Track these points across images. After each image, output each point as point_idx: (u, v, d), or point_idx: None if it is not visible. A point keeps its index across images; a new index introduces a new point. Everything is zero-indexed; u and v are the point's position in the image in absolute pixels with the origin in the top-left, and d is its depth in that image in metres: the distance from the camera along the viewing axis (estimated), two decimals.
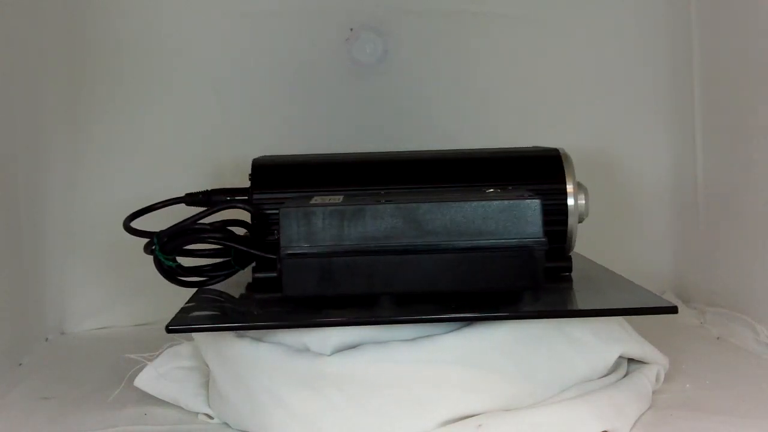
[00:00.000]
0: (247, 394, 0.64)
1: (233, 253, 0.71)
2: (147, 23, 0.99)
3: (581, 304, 0.70)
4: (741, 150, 0.87)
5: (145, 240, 0.71)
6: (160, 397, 0.70)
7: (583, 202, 0.74)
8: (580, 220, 0.74)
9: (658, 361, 0.70)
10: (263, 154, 0.78)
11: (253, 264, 0.73)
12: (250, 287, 0.73)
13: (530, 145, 0.80)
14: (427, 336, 0.61)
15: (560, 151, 0.76)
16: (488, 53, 1.02)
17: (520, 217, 0.61)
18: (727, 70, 0.90)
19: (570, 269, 0.73)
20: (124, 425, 0.67)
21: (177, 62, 1.00)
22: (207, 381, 0.70)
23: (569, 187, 0.73)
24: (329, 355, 0.61)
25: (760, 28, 0.82)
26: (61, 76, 0.97)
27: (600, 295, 0.71)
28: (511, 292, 0.63)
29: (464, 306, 0.62)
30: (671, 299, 0.97)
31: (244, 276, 0.73)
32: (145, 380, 0.71)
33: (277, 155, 0.79)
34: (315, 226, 0.62)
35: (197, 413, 0.69)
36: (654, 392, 0.68)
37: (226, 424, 0.67)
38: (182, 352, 0.73)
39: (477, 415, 0.61)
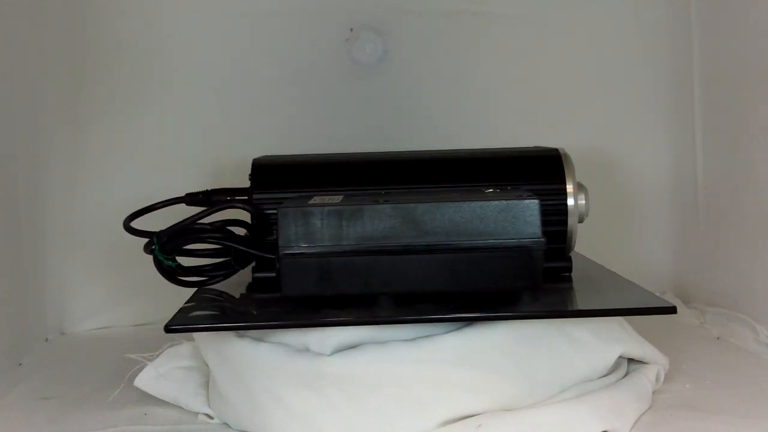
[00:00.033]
0: (247, 394, 0.64)
1: (233, 253, 0.71)
2: (147, 23, 0.99)
3: (581, 304, 0.70)
4: (741, 150, 0.87)
5: (145, 240, 0.71)
6: (160, 397, 0.71)
7: (583, 202, 0.74)
8: (581, 220, 0.74)
9: (658, 361, 0.70)
10: (263, 154, 0.78)
11: (253, 264, 0.73)
12: (250, 287, 0.73)
13: (530, 145, 0.80)
14: (427, 336, 0.61)
15: (560, 151, 0.76)
16: (488, 53, 1.02)
17: (519, 217, 0.61)
18: (727, 70, 0.90)
19: (570, 269, 0.73)
20: (124, 425, 0.67)
21: (177, 62, 1.00)
22: (207, 381, 0.70)
23: (569, 187, 0.73)
24: (329, 355, 0.61)
25: (760, 28, 0.82)
26: (61, 76, 0.97)
27: (600, 295, 0.71)
28: (510, 292, 0.63)
29: (464, 306, 0.62)
30: (671, 299, 0.98)
31: (244, 276, 0.73)
32: (145, 380, 0.71)
33: (277, 155, 0.79)
34: (313, 226, 0.62)
35: (197, 413, 0.69)
36: (654, 392, 0.68)
37: (226, 424, 0.67)
38: (182, 352, 0.73)
39: (477, 415, 0.61)
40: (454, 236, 0.62)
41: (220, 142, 1.00)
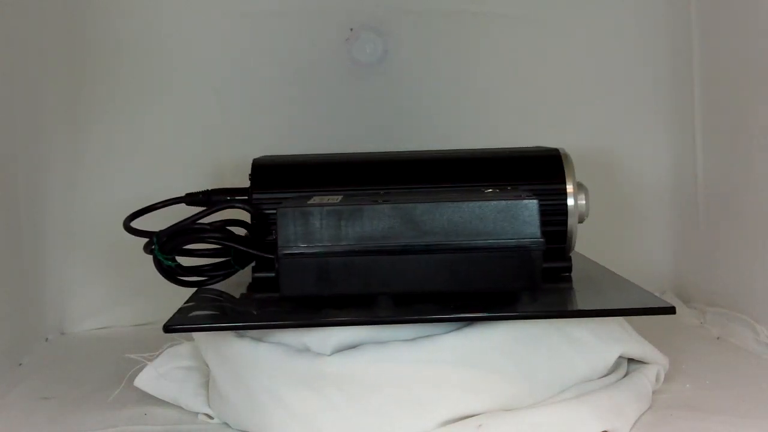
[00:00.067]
0: (247, 394, 0.64)
1: (233, 252, 0.71)
2: (147, 23, 0.99)
3: (581, 305, 0.70)
4: (741, 150, 0.87)
5: (145, 240, 0.71)
6: (160, 397, 0.71)
7: (584, 202, 0.74)
8: (581, 220, 0.74)
9: (658, 361, 0.70)
10: (263, 154, 0.78)
11: (253, 264, 0.73)
12: (250, 287, 0.73)
13: (530, 145, 0.79)
14: (427, 336, 0.61)
15: (560, 151, 0.76)
16: (488, 53, 1.02)
17: (518, 217, 0.61)
18: (727, 70, 0.90)
19: (570, 269, 0.73)
20: (124, 425, 0.67)
21: (177, 62, 1.00)
22: (207, 381, 0.70)
23: (569, 187, 0.73)
24: (329, 355, 0.61)
25: (760, 28, 0.82)
26: (61, 76, 0.97)
27: (599, 295, 0.71)
28: (510, 293, 0.63)
29: (463, 306, 0.62)
30: (671, 299, 0.98)
31: (244, 276, 0.73)
32: (145, 380, 0.71)
33: (277, 155, 0.79)
34: (312, 226, 0.62)
35: (197, 413, 0.69)
36: (654, 392, 0.68)
37: (226, 424, 0.67)
38: (182, 352, 0.73)
39: (477, 415, 0.61)
40: (453, 236, 0.62)
41: (220, 142, 1.00)
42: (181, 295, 0.70)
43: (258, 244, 0.71)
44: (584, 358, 0.65)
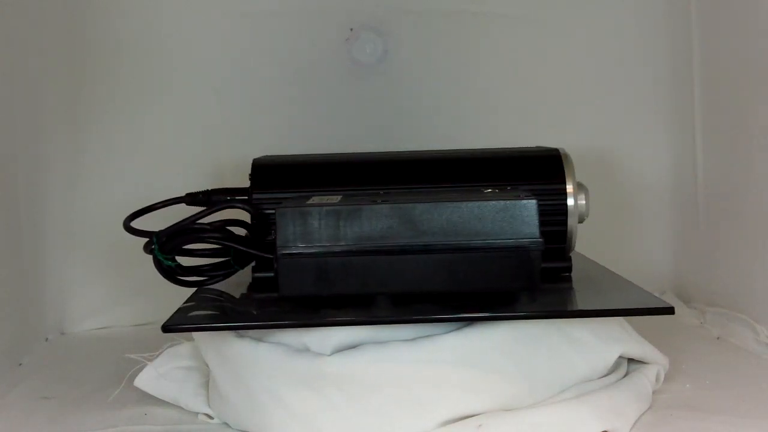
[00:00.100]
0: (247, 394, 0.64)
1: (232, 252, 0.71)
2: (147, 23, 0.99)
3: (580, 305, 0.70)
4: (741, 150, 0.87)
5: (146, 240, 0.71)
6: (160, 397, 0.71)
7: (584, 202, 0.74)
8: (581, 221, 0.74)
9: (658, 361, 0.70)
10: (263, 154, 0.78)
11: (253, 264, 0.73)
12: (251, 287, 0.73)
13: (530, 145, 0.79)
14: (427, 336, 0.61)
15: (560, 151, 0.76)
16: (488, 53, 1.02)
17: (517, 217, 0.61)
18: (727, 70, 0.90)
19: (570, 269, 0.73)
20: (124, 425, 0.67)
21: (177, 62, 1.00)
22: (207, 381, 0.70)
23: (569, 187, 0.73)
24: (329, 355, 0.61)
25: (760, 28, 0.82)
26: (61, 76, 0.97)
27: (599, 295, 0.71)
28: (509, 293, 0.63)
29: (463, 306, 0.62)
30: (671, 299, 0.98)
31: (244, 276, 0.73)
32: (145, 380, 0.71)
33: (277, 155, 0.79)
34: (311, 227, 0.62)
35: (197, 413, 0.69)
36: (654, 392, 0.68)
37: (226, 424, 0.67)
38: (182, 352, 0.73)
39: (477, 415, 0.61)
40: (452, 236, 0.62)
41: (220, 142, 1.00)
42: (181, 295, 0.70)
43: (258, 244, 0.71)
44: (584, 358, 0.65)
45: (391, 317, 0.62)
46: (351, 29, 1.01)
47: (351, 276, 0.62)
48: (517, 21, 1.01)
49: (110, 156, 0.99)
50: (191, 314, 0.66)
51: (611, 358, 0.67)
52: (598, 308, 0.65)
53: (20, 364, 0.86)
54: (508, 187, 0.71)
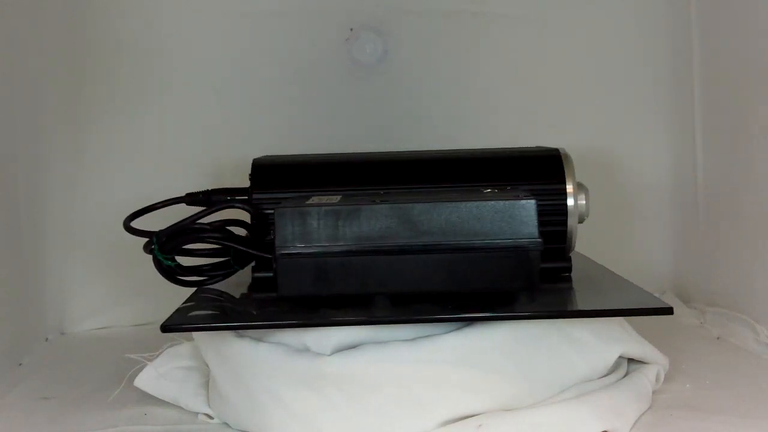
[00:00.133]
0: (247, 394, 0.64)
1: (232, 252, 0.71)
2: (147, 23, 0.99)
3: (580, 305, 0.70)
4: (741, 150, 0.87)
5: (146, 240, 0.71)
6: (160, 397, 0.71)
7: (584, 202, 0.74)
8: (581, 221, 0.74)
9: (658, 361, 0.70)
10: (263, 154, 0.78)
11: (253, 264, 0.73)
12: (251, 287, 0.73)
13: (530, 145, 0.79)
14: (427, 336, 0.61)
15: (560, 151, 0.76)
16: (488, 53, 1.02)
17: (515, 217, 0.61)
18: (727, 70, 0.90)
19: (570, 270, 0.73)
20: (124, 425, 0.67)
21: (177, 62, 1.00)
22: (207, 381, 0.70)
23: (569, 187, 0.73)
24: (329, 355, 0.61)
25: (760, 28, 0.82)
26: (61, 76, 0.97)
27: (598, 295, 0.71)
28: (508, 293, 0.63)
29: (462, 306, 0.62)
30: (671, 299, 0.98)
31: (244, 276, 0.73)
32: (145, 380, 0.71)
33: (277, 155, 0.79)
34: (310, 227, 0.62)
35: (197, 413, 0.69)
36: (654, 392, 0.68)
37: (226, 424, 0.67)
38: (182, 352, 0.73)
39: (477, 415, 0.61)
40: (451, 236, 0.61)
41: (220, 142, 1.00)
42: (181, 295, 0.70)
43: (257, 244, 0.71)
44: (584, 358, 0.65)
45: (391, 317, 0.62)
46: (351, 29, 1.01)
47: (350, 276, 0.62)
48: (517, 21, 1.01)
49: (110, 156, 0.99)
50: (191, 314, 0.66)
51: (611, 358, 0.67)
52: (598, 308, 0.66)
53: (20, 364, 0.86)
54: (508, 187, 0.71)
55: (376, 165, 0.77)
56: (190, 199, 0.77)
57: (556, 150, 0.76)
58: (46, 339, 0.95)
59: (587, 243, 0.79)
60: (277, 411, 0.62)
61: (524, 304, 0.63)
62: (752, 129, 0.84)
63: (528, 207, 0.61)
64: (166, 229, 0.70)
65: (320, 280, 0.62)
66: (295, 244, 0.62)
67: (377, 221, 0.62)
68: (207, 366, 0.69)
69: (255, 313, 0.69)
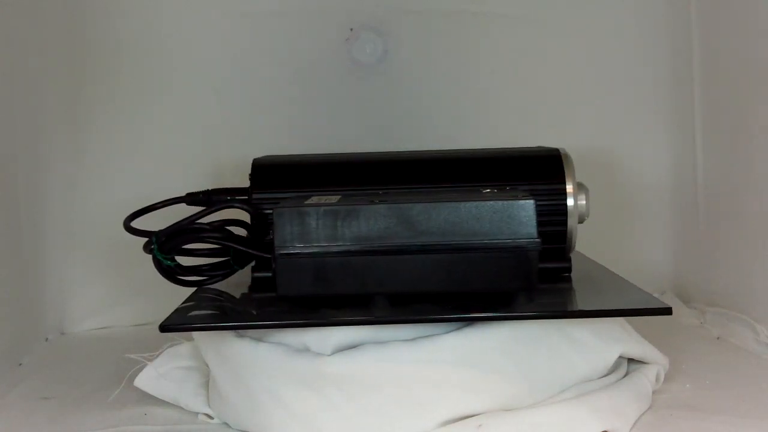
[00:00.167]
0: (247, 394, 0.64)
1: (232, 252, 0.71)
2: (147, 23, 0.99)
3: (580, 305, 0.70)
4: (741, 150, 0.87)
5: (146, 240, 0.71)
6: (160, 397, 0.71)
7: (584, 202, 0.74)
8: (581, 221, 0.74)
9: (658, 361, 0.70)
10: (263, 154, 0.78)
11: (253, 264, 0.73)
12: (251, 287, 0.73)
13: (530, 145, 0.79)
14: (427, 336, 0.61)
15: (560, 151, 0.76)
16: (488, 53, 1.02)
17: (514, 217, 0.61)
18: (727, 70, 0.90)
19: (570, 270, 0.73)
20: (124, 425, 0.67)
21: (177, 62, 1.00)
22: (207, 381, 0.70)
23: (569, 187, 0.73)
24: (329, 355, 0.61)
25: (760, 28, 0.82)
26: (61, 76, 0.97)
27: (598, 295, 0.71)
28: (506, 293, 0.63)
29: (461, 306, 0.62)
30: (671, 299, 0.98)
31: (244, 276, 0.73)
32: (145, 380, 0.71)
33: (277, 155, 0.79)
34: (308, 227, 0.62)
35: (197, 413, 0.69)
36: (654, 392, 0.68)
37: (226, 424, 0.67)
38: (182, 352, 0.73)
39: (477, 415, 0.61)
40: (449, 236, 0.61)
41: (220, 142, 1.00)
42: (181, 294, 0.70)
43: (257, 243, 0.71)
44: (584, 358, 0.65)
45: (392, 317, 0.62)
46: (351, 29, 1.01)
47: (349, 276, 0.62)
48: (517, 21, 1.01)
49: (110, 156, 0.99)
50: (190, 314, 0.66)
51: (611, 358, 0.67)
52: (596, 308, 0.66)
53: (20, 364, 0.86)
54: (508, 188, 0.71)
55: (376, 165, 0.77)
56: (190, 199, 0.77)
57: (556, 150, 0.76)
58: (46, 339, 0.96)
59: (587, 243, 0.79)
60: (277, 411, 0.62)
61: (524, 304, 0.63)
62: (752, 129, 0.84)
63: (526, 207, 0.61)
64: (165, 229, 0.70)
65: (319, 280, 0.62)
66: (293, 244, 0.62)
67: (376, 221, 0.62)
68: (207, 366, 0.69)
69: (255, 313, 0.69)
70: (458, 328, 0.62)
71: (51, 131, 0.97)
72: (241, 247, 0.70)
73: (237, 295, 0.71)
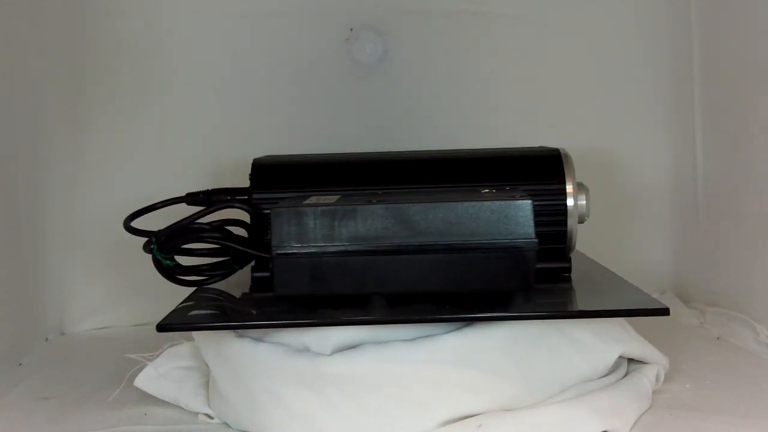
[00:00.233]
0: (247, 394, 0.64)
1: (232, 252, 0.71)
2: (147, 23, 0.99)
3: (579, 305, 0.70)
4: (741, 150, 0.87)
5: (146, 240, 0.71)
6: (160, 397, 0.71)
7: (584, 202, 0.74)
8: (581, 221, 0.74)
9: (658, 361, 0.70)
10: (263, 154, 0.78)
11: (252, 263, 0.73)
12: (251, 287, 0.73)
13: (530, 145, 0.79)
14: (427, 336, 0.61)
15: (560, 151, 0.76)
16: (488, 53, 1.02)
17: (512, 217, 0.61)
18: (727, 70, 0.90)
19: (570, 270, 0.73)
20: (124, 425, 0.67)
21: (177, 62, 1.00)
22: (207, 381, 0.70)
23: (569, 188, 0.73)
24: (329, 355, 0.61)
25: (760, 28, 0.82)
26: (61, 76, 0.97)
27: (597, 296, 0.71)
28: (503, 293, 0.63)
29: (460, 306, 0.62)
30: (671, 299, 0.98)
31: (244, 275, 0.73)
32: (145, 380, 0.71)
33: (277, 155, 0.79)
34: (306, 226, 0.62)
35: (197, 413, 0.69)
36: (654, 392, 0.68)
37: (226, 424, 0.67)
38: (182, 352, 0.73)
39: (477, 415, 0.61)
40: (447, 236, 0.61)
41: (220, 142, 1.00)
42: (181, 294, 0.70)
43: (257, 243, 0.71)
44: (584, 358, 0.65)
45: (392, 317, 0.62)
46: (351, 29, 1.01)
47: (346, 276, 0.62)
48: (517, 21, 1.01)
49: (110, 156, 0.99)
50: (187, 314, 0.66)
51: (611, 358, 0.67)
52: (595, 309, 0.66)
53: (20, 364, 0.86)
54: (508, 188, 0.71)
55: (376, 165, 0.77)
56: (190, 199, 0.77)
57: (556, 150, 0.76)
58: (46, 339, 0.96)
59: (587, 243, 0.79)
60: (277, 411, 0.62)
61: (524, 304, 0.63)
62: (752, 129, 0.84)
63: (524, 207, 0.61)
64: (165, 228, 0.70)
65: (316, 280, 0.62)
66: (291, 244, 0.62)
67: (373, 221, 0.62)
68: (207, 366, 0.69)
69: (255, 313, 0.69)
70: (458, 328, 0.62)
71: (51, 131, 0.97)
72: (241, 247, 0.70)
73: (237, 295, 0.71)
